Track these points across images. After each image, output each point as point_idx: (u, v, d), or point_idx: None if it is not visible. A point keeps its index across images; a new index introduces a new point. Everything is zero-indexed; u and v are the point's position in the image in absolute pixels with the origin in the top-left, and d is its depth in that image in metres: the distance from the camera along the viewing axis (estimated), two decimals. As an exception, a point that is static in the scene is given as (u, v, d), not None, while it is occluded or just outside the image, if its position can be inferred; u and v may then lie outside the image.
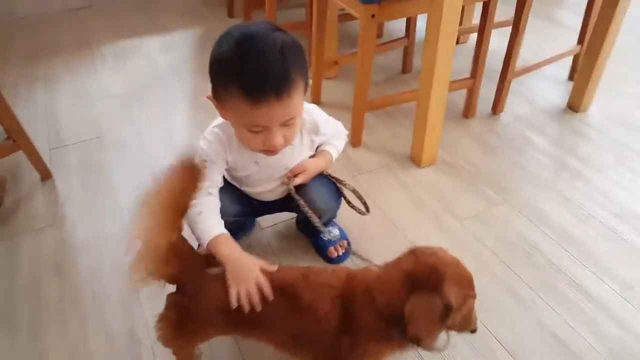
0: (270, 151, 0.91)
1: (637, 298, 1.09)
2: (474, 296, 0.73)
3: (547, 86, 1.88)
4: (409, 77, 1.95)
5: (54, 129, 1.69)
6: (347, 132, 1.14)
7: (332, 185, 1.10)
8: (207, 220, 0.90)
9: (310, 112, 1.02)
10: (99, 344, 1.02)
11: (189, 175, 0.70)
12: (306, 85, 0.88)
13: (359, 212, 1.11)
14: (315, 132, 1.03)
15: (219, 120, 0.97)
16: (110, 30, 2.39)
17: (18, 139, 1.35)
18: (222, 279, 0.80)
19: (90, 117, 1.75)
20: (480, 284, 0.89)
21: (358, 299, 0.74)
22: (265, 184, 1.06)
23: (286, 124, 0.87)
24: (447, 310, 0.68)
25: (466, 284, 0.72)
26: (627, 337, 1.01)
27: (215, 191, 0.97)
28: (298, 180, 1.03)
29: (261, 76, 0.80)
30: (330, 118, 1.09)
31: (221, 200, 0.98)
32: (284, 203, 1.14)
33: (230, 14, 2.52)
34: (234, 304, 0.77)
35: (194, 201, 0.73)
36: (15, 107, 1.36)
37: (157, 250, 0.69)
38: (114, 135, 1.66)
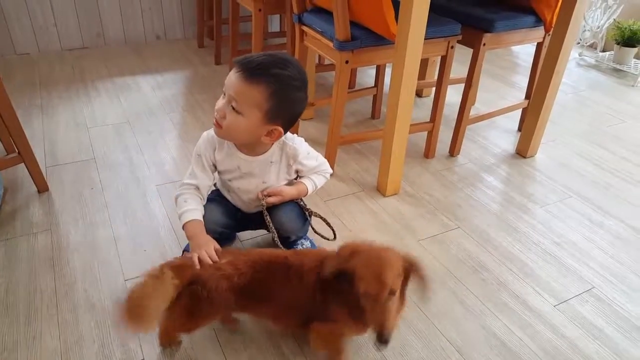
0: (216, 121, 1.09)
1: (569, 309, 1.24)
2: (384, 287, 0.82)
3: (499, 135, 2.12)
4: (378, 122, 2.17)
5: (50, 149, 1.82)
6: (330, 172, 1.30)
7: (301, 211, 1.25)
8: (189, 207, 1.12)
9: (295, 140, 1.20)
10: (89, 329, 1.11)
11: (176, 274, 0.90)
12: (269, 115, 1.05)
13: (325, 239, 1.27)
14: (293, 158, 1.20)
15: None
16: (105, 69, 2.58)
17: (23, 152, 1.47)
18: (231, 263, 0.96)
19: (84, 141, 1.89)
20: (433, 293, 1.05)
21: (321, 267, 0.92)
22: (244, 193, 1.21)
23: (231, 103, 1.04)
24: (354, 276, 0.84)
25: (376, 270, 0.84)
26: (559, 340, 1.15)
27: (202, 189, 1.16)
28: (271, 200, 1.18)
29: (252, 60, 1.02)
30: (316, 154, 1.25)
31: (213, 211, 1.16)
32: (260, 221, 1.28)
33: (217, 62, 2.75)
34: (196, 264, 0.96)
35: (182, 190, 1.04)
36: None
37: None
38: (107, 158, 1.79)
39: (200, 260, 0.97)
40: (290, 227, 1.24)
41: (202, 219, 1.12)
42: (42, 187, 1.57)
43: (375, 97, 2.13)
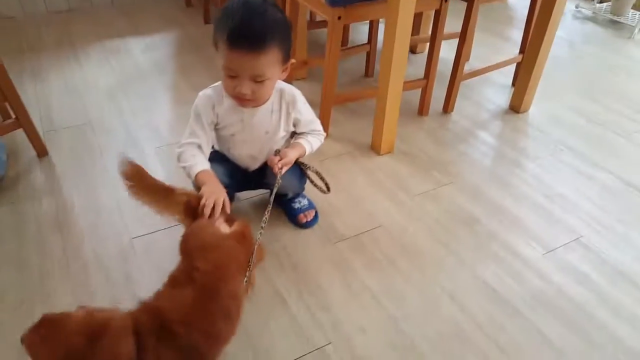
0: (240, 100, 1.11)
1: (557, 257, 1.30)
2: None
3: (492, 91, 2.12)
4: (371, 80, 2.16)
5: (45, 114, 1.81)
6: (324, 134, 1.32)
7: (297, 168, 1.28)
8: (197, 160, 1.14)
9: (293, 91, 1.21)
10: (100, 285, 1.16)
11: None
12: (285, 57, 1.08)
13: (321, 191, 1.30)
14: (292, 104, 1.21)
15: (217, 82, 1.17)
16: (93, 32, 2.53)
17: (21, 118, 1.47)
18: None
19: (79, 106, 1.88)
20: (426, 246, 1.10)
21: None
22: (248, 146, 1.24)
23: (256, 79, 1.06)
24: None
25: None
26: (546, 286, 1.21)
27: (203, 147, 1.17)
28: (284, 170, 1.18)
29: (242, 29, 1.01)
30: (312, 112, 1.27)
31: (216, 172, 1.16)
32: (259, 180, 1.32)
33: (207, 21, 2.69)
34: (207, 211, 0.99)
35: (185, 148, 1.11)
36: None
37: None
38: (102, 122, 1.80)
39: (213, 206, 1.00)
40: (290, 184, 1.27)
41: (209, 169, 1.14)
42: (42, 152, 1.58)
43: (368, 54, 2.12)
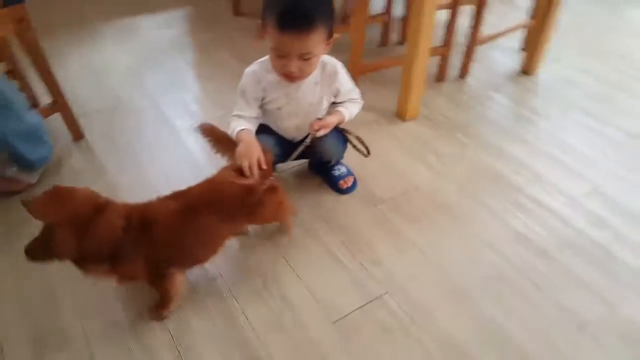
0: (288, 77, 1.19)
1: (576, 205, 1.42)
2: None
3: (502, 55, 2.21)
4: (387, 49, 2.24)
5: (73, 98, 1.84)
6: (362, 101, 1.39)
7: (340, 134, 1.37)
8: (242, 125, 1.23)
9: (335, 62, 1.29)
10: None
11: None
12: (330, 32, 1.14)
13: (362, 154, 1.39)
14: (334, 75, 1.28)
15: (262, 58, 1.25)
16: (104, 10, 2.54)
17: (59, 100, 1.53)
18: None
19: (105, 87, 1.93)
20: (459, 202, 1.23)
21: None
22: (294, 118, 1.32)
23: (303, 57, 1.14)
24: None
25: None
26: (570, 231, 1.34)
27: (253, 118, 1.27)
28: (321, 132, 1.28)
29: (290, 12, 1.07)
30: (351, 81, 1.34)
31: (267, 141, 1.26)
32: (303, 150, 1.40)
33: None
34: (246, 170, 1.09)
35: (234, 118, 1.24)
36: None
37: None
38: (131, 102, 1.85)
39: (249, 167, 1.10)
40: (333, 151, 1.37)
41: (254, 132, 1.24)
42: (78, 135, 1.64)
43: (385, 23, 2.18)
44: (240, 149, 1.14)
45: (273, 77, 1.25)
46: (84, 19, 2.43)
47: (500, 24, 2.11)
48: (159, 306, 1.10)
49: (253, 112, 1.28)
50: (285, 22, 1.08)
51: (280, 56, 1.15)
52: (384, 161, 1.58)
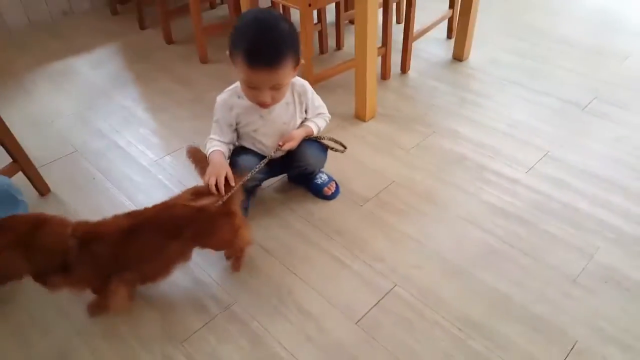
0: (261, 104, 1.24)
1: (536, 172, 1.58)
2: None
3: (434, 47, 2.36)
4: (328, 56, 2.32)
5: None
6: (330, 116, 1.46)
7: (316, 144, 1.43)
8: (213, 145, 1.29)
9: (303, 82, 1.35)
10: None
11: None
12: (297, 61, 1.20)
13: (339, 151, 1.44)
14: (304, 94, 1.35)
15: (232, 86, 1.30)
16: (31, 58, 2.39)
17: (19, 159, 1.45)
18: None
19: (55, 136, 1.84)
20: (435, 188, 1.36)
21: None
22: (270, 137, 1.36)
23: (274, 87, 1.20)
24: None
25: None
26: (537, 195, 1.49)
27: (225, 143, 1.32)
28: (287, 147, 1.34)
29: (259, 50, 1.12)
30: (319, 98, 1.42)
31: (250, 161, 1.31)
32: (283, 166, 1.45)
33: (142, 26, 2.65)
34: (212, 187, 1.14)
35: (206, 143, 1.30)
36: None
37: None
38: (89, 146, 1.78)
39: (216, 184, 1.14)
40: (315, 161, 1.42)
41: (224, 153, 1.29)
42: (45, 190, 1.56)
43: (320, 32, 2.26)
44: (209, 168, 1.19)
45: (245, 102, 1.28)
46: (11, 71, 2.28)
47: (423, 17, 2.24)
48: (96, 305, 1.17)
49: (226, 137, 1.33)
50: (254, 60, 1.13)
51: (252, 87, 1.19)
52: (357, 162, 1.66)
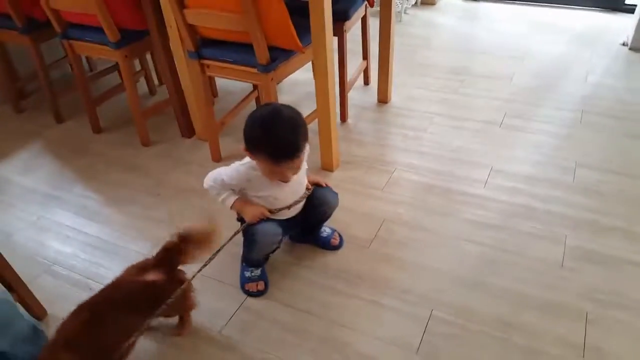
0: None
1: (491, 186, 1.87)
2: None
3: (358, 94, 2.62)
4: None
5: None
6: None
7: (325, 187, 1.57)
8: (228, 195, 1.41)
9: None
10: None
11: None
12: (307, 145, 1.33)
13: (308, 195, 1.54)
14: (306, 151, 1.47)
15: (245, 160, 1.38)
16: None
17: (18, 290, 1.32)
18: None
19: (22, 257, 1.68)
20: (420, 216, 1.53)
21: None
22: (290, 197, 1.45)
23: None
24: None
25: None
26: (500, 204, 1.77)
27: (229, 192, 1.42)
28: (312, 180, 1.54)
29: (282, 152, 1.25)
30: None
31: (270, 225, 1.41)
32: (304, 216, 1.54)
33: (59, 120, 2.52)
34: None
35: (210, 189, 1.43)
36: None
37: None
38: (63, 263, 1.66)
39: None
40: (334, 198, 1.57)
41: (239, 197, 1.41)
42: (41, 314, 1.44)
43: (257, 99, 2.38)
44: (251, 211, 1.39)
45: (261, 177, 1.36)
46: None
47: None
48: None
49: (225, 192, 1.42)
50: (278, 157, 1.25)
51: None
52: (347, 210, 1.79)
